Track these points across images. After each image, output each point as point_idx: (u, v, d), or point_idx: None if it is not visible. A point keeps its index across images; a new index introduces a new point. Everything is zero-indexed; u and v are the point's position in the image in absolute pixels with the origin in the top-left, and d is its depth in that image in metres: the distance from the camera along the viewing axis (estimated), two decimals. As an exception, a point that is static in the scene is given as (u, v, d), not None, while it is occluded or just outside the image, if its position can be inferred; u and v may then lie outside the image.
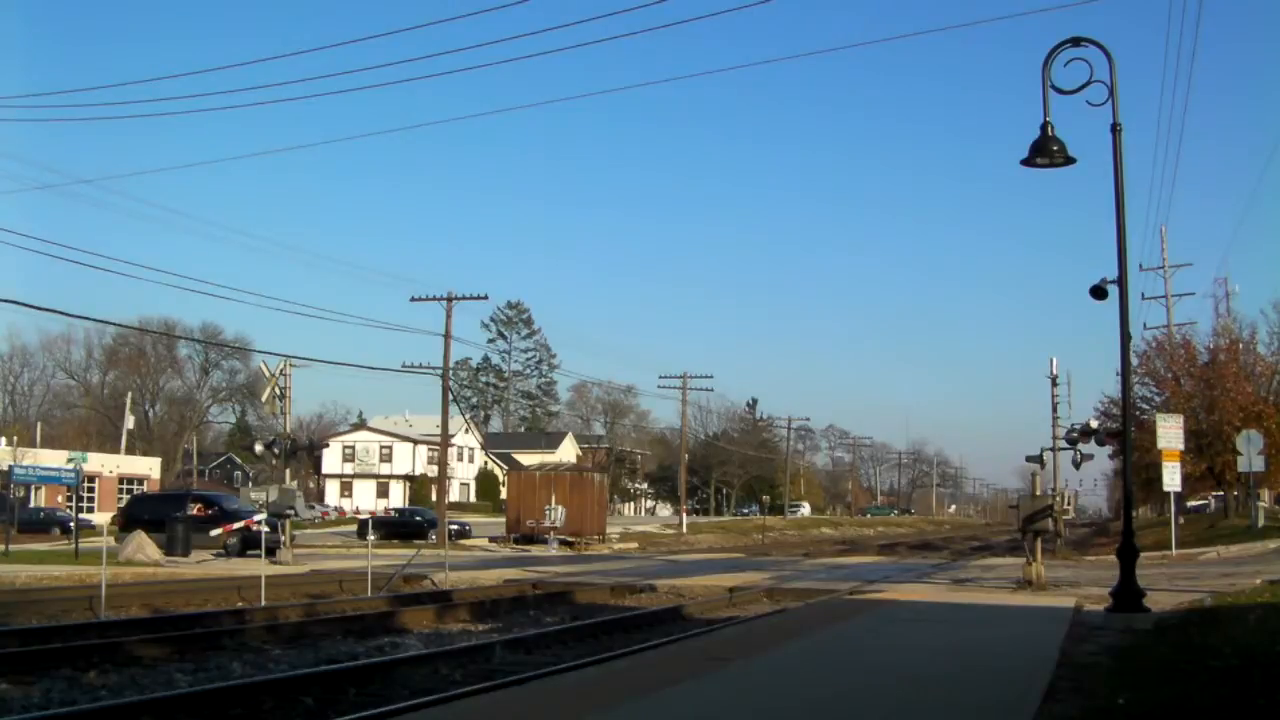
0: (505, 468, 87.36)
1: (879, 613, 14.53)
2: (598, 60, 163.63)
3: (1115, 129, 13.67)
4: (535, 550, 42.11)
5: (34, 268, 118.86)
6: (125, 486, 71.80)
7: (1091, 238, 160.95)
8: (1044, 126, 13.77)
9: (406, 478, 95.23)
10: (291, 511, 30.93)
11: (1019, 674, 8.90)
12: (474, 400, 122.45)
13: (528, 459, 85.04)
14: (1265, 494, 44.74)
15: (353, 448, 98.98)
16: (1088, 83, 13.35)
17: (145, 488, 70.04)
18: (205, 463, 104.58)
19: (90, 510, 61.86)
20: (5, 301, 30.88)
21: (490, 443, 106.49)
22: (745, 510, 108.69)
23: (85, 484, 60.52)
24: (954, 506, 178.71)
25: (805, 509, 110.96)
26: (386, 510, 67.66)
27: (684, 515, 71.08)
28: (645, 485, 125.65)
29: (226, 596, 21.54)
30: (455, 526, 48.64)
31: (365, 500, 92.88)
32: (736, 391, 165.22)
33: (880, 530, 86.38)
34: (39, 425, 78.81)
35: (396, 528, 50.81)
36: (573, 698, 8.25)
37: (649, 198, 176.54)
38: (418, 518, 53.63)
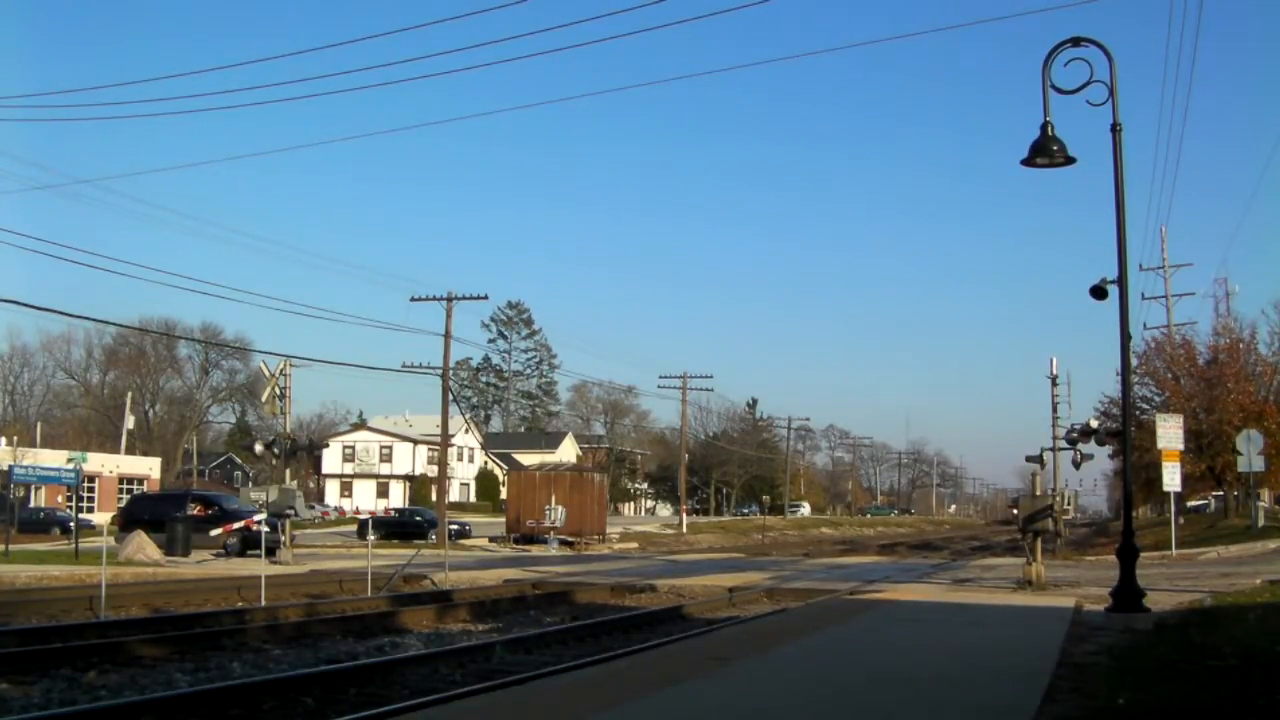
0: (505, 468, 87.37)
1: (879, 613, 14.53)
2: (598, 60, 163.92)
3: (1115, 129, 13.67)
4: (535, 550, 42.10)
5: (34, 268, 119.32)
6: (125, 486, 71.78)
7: (1091, 238, 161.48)
8: (1044, 126, 13.77)
9: (406, 478, 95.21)
10: (291, 511, 30.91)
11: (1019, 674, 8.90)
12: (474, 400, 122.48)
13: (528, 459, 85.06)
14: (1265, 494, 44.74)
15: (353, 448, 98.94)
16: (1088, 83, 13.35)
17: (145, 488, 70.00)
18: (205, 463, 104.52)
19: (90, 510, 61.86)
20: (5, 301, 30.88)
21: (490, 443, 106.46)
22: (745, 510, 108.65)
23: (85, 484, 60.52)
24: (954, 506, 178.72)
25: (805, 509, 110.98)
26: (386, 510, 67.61)
27: (684, 515, 71.10)
28: (645, 485, 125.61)
29: (226, 596, 21.54)
30: (455, 526, 48.63)
31: (365, 500, 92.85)
32: (736, 391, 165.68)
33: (880, 530, 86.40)
34: (39, 425, 78.84)
35: (396, 528, 50.81)
36: (573, 698, 8.25)
37: (649, 198, 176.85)
38: (418, 518, 53.61)
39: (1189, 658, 9.02)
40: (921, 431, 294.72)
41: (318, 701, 10.09)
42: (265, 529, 23.75)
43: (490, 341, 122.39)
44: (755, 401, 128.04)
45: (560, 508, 44.30)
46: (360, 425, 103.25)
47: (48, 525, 52.56)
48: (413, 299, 46.72)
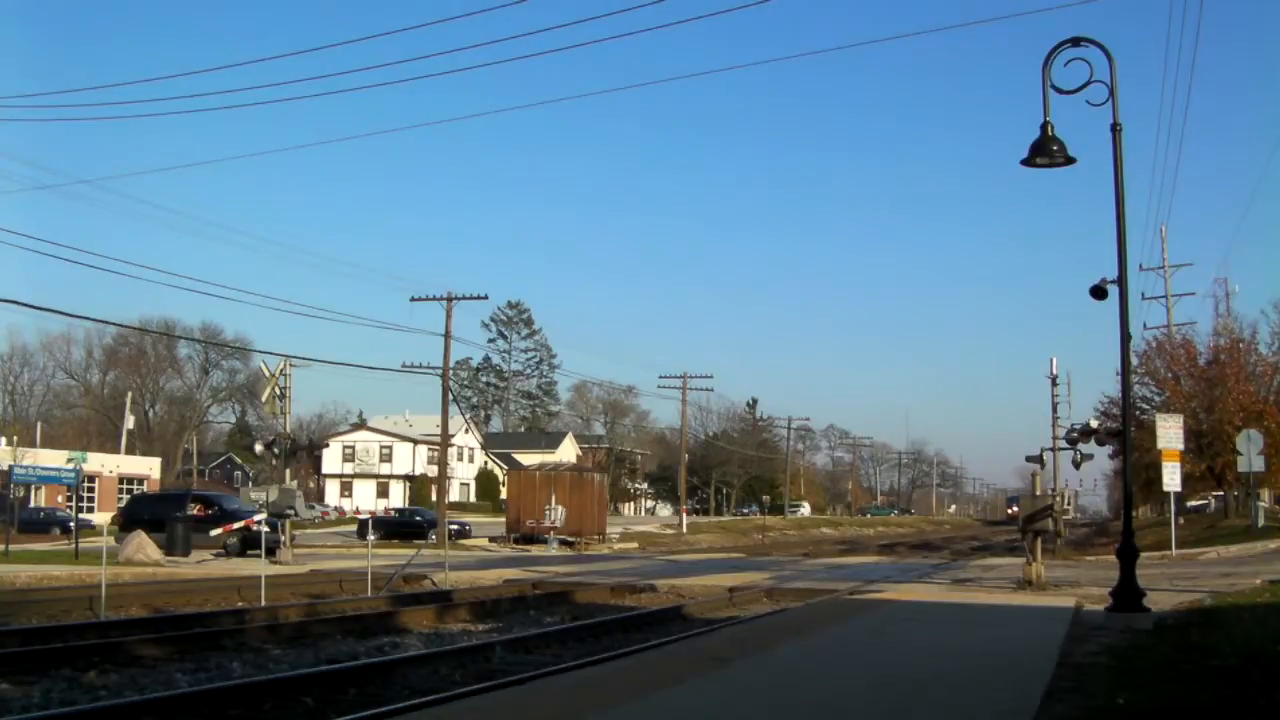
0: (505, 468, 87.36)
1: (879, 613, 14.53)
2: (597, 60, 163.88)
3: (1115, 129, 13.66)
4: (535, 550, 42.10)
5: (34, 268, 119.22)
6: (125, 486, 71.79)
7: (1091, 238, 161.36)
8: (1044, 126, 13.76)
9: (406, 478, 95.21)
10: (291, 511, 30.89)
11: (1019, 674, 8.90)
12: (474, 400, 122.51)
13: (528, 459, 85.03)
14: (1265, 494, 44.70)
15: (353, 448, 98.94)
16: (1088, 83, 13.34)
17: (145, 488, 70.01)
18: (205, 463, 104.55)
19: (90, 510, 61.86)
20: (5, 301, 30.87)
21: (490, 443, 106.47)
22: (745, 510, 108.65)
23: (85, 484, 60.53)
24: (954, 506, 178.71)
25: (805, 509, 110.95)
26: (386, 510, 67.63)
27: (684, 515, 71.07)
28: (645, 485, 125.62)
29: (226, 596, 21.54)
30: (455, 526, 48.62)
31: (365, 500, 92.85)
32: (736, 391, 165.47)
33: (880, 530, 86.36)
34: (39, 425, 78.78)
35: (396, 528, 50.79)
36: (573, 698, 8.25)
37: (649, 198, 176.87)
38: (418, 518, 53.60)
39: (1189, 658, 9.02)
40: (921, 431, 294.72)
41: (318, 701, 10.09)
42: (265, 529, 23.74)
43: (490, 341, 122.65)
44: (755, 401, 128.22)
45: (560, 508, 44.29)
46: (360, 425, 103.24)
47: (48, 525, 52.56)
48: (413, 299, 46.77)
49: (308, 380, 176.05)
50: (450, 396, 48.06)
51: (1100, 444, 35.38)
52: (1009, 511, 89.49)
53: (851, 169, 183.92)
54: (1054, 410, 38.90)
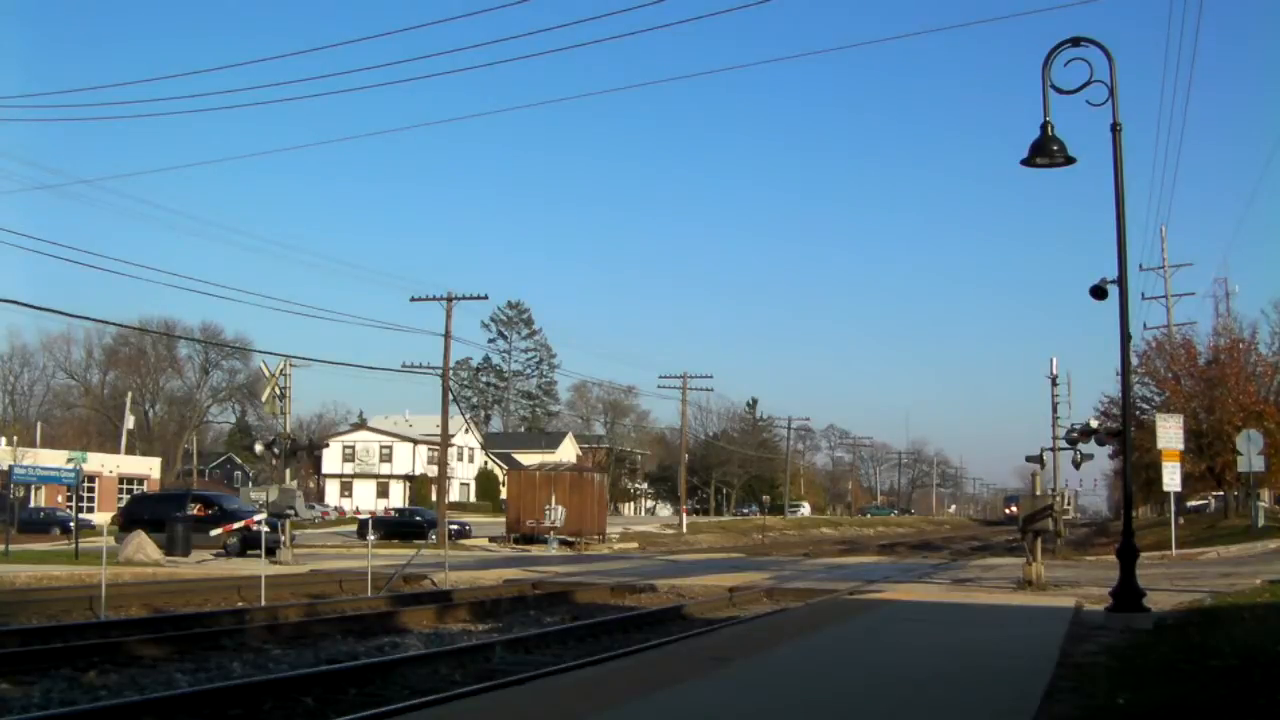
0: (505, 468, 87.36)
1: (879, 613, 14.54)
2: (597, 60, 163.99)
3: (1115, 129, 13.67)
4: (535, 550, 42.10)
5: (34, 268, 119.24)
6: (125, 486, 71.78)
7: (1091, 237, 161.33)
8: (1044, 126, 13.76)
9: (406, 478, 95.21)
10: (291, 511, 30.89)
11: (1019, 674, 8.90)
12: (474, 400, 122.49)
13: (528, 459, 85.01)
14: (1265, 494, 44.71)
15: (353, 448, 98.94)
16: (1088, 83, 13.35)
17: (145, 488, 70.02)
18: (205, 463, 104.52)
19: (90, 510, 61.86)
20: (5, 301, 30.92)
21: (490, 443, 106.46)
22: (745, 510, 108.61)
23: (85, 484, 60.53)
24: (954, 506, 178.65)
25: (805, 509, 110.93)
26: (386, 510, 67.63)
27: (684, 515, 71.06)
28: (645, 485, 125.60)
29: (226, 596, 21.54)
30: (455, 526, 48.61)
31: (365, 500, 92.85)
32: (736, 391, 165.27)
33: (880, 530, 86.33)
34: (39, 425, 78.77)
35: (396, 528, 50.80)
36: (573, 698, 8.25)
37: (649, 198, 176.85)
38: (418, 518, 53.61)
39: (1189, 658, 9.02)
40: (921, 431, 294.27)
41: (318, 701, 10.09)
42: (265, 529, 23.74)
43: (490, 341, 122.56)
44: (755, 401, 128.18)
45: (560, 508, 44.28)
46: (360, 425, 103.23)
47: (48, 525, 52.57)
48: (413, 299, 46.84)
49: (308, 380, 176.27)
50: (450, 396, 48.09)
51: (1100, 444, 35.37)
52: (1007, 511, 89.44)
53: (851, 169, 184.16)
54: (1054, 410, 38.92)
